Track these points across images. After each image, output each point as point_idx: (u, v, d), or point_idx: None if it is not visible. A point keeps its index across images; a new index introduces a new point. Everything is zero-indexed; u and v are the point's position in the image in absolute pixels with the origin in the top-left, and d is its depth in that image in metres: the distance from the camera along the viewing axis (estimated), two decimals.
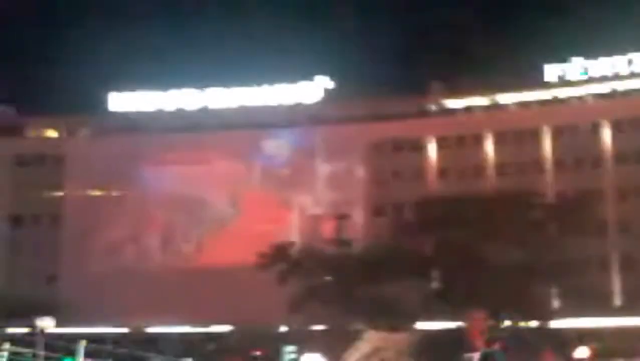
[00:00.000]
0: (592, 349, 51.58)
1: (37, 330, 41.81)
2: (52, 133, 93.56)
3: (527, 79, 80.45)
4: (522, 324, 52.91)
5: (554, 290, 59.19)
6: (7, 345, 34.57)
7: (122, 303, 72.38)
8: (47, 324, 60.85)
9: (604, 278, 72.14)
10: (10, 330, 62.77)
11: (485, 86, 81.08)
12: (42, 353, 34.94)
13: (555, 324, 54.91)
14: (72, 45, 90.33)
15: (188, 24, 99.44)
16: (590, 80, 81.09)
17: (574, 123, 78.98)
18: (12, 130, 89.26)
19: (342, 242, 58.96)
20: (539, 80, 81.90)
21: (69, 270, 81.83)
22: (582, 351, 50.16)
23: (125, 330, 71.88)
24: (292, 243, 60.14)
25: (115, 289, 74.85)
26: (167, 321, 72.77)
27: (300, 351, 46.59)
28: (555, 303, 59.50)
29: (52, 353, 35.97)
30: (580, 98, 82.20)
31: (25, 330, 56.98)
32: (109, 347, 41.08)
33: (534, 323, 53.82)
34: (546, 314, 55.02)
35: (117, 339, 56.01)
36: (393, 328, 43.86)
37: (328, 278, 57.34)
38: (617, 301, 73.64)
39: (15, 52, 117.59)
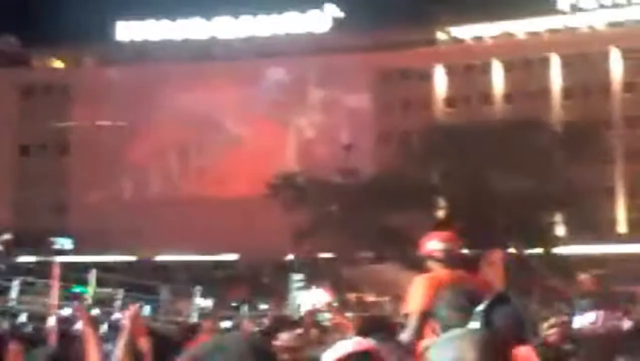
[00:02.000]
0: (593, 275, 51.90)
1: (50, 258, 42.32)
2: (58, 64, 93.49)
3: (538, 6, 79.87)
4: (527, 251, 53.21)
5: (559, 218, 59.43)
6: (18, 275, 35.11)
7: (130, 232, 72.92)
8: (66, 244, 61.83)
9: (610, 206, 72.52)
10: (21, 260, 63.53)
11: (495, 14, 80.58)
12: (54, 282, 35.52)
13: (560, 251, 55.18)
14: None
15: None
16: (603, 7, 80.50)
17: (583, 52, 78.53)
18: (18, 61, 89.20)
19: (348, 171, 59.06)
20: (550, 7, 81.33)
21: (77, 200, 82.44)
22: (584, 278, 50.44)
23: (133, 258, 72.56)
24: (298, 172, 60.34)
25: (124, 218, 75.40)
26: (175, 250, 73.47)
27: (307, 280, 47.15)
28: (561, 231, 59.78)
29: (62, 282, 36.55)
30: (591, 26, 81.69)
31: (34, 258, 57.70)
32: (119, 276, 41.68)
33: (539, 251, 54.14)
34: (551, 242, 55.32)
35: (125, 267, 56.49)
36: (399, 257, 44.39)
37: (334, 207, 57.59)
38: (622, 228, 74.13)
39: None
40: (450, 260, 7.23)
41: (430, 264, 7.26)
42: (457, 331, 3.20)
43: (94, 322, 8.09)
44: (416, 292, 7.07)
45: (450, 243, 7.41)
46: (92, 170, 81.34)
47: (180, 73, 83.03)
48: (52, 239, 63.24)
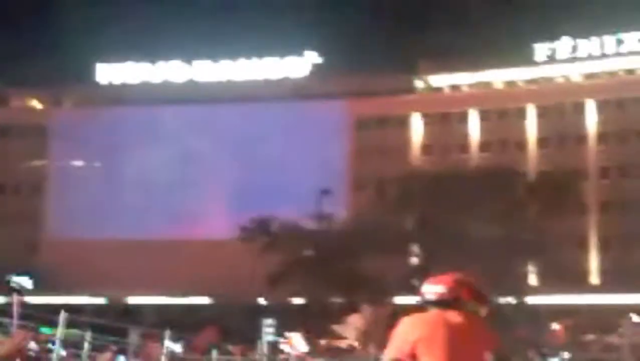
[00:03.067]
0: (564, 325, 52.01)
1: (13, 299, 41.90)
2: (36, 104, 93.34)
3: (516, 57, 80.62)
4: (500, 300, 53.13)
5: (532, 267, 59.55)
6: None
7: (100, 273, 72.32)
8: (24, 283, 61.26)
9: (583, 256, 72.71)
10: None
11: (474, 64, 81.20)
12: (19, 322, 35.11)
13: (532, 300, 55.20)
14: (58, 14, 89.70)
15: None
16: (578, 59, 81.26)
17: (559, 103, 79.20)
18: None
19: (323, 216, 59.06)
20: (527, 58, 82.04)
21: (49, 239, 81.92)
22: (555, 328, 50.58)
23: (102, 300, 72.05)
24: (272, 217, 60.25)
25: (95, 259, 74.61)
26: (145, 292, 72.94)
27: (279, 325, 46.88)
28: (533, 280, 59.88)
29: (30, 322, 36.14)
30: (567, 77, 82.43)
31: (2, 299, 57.15)
32: (87, 318, 41.29)
33: (511, 299, 54.11)
34: (524, 290, 55.35)
35: (95, 310, 56.06)
36: (372, 303, 44.14)
37: (308, 252, 57.50)
38: (595, 279, 74.20)
39: (0, 21, 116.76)
40: (439, 301, 7.10)
41: (425, 306, 7.17)
42: None
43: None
44: (396, 336, 6.96)
45: (443, 285, 7.28)
46: (65, 210, 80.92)
47: (159, 115, 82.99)
48: (10, 278, 62.69)
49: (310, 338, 47.77)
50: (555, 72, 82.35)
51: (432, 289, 7.26)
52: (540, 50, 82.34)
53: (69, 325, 33.92)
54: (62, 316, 33.27)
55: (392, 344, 6.88)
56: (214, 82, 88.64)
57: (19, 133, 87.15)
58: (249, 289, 61.57)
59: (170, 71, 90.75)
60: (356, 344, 43.51)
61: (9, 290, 58.25)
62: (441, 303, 7.21)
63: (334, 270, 53.34)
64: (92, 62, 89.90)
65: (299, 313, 55.84)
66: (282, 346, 46.50)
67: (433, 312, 7.04)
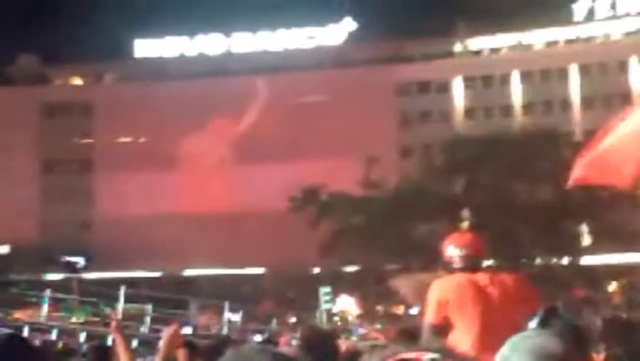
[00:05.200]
0: (620, 284, 51.98)
1: (74, 276, 42.48)
2: (78, 81, 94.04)
3: (554, 17, 80.00)
4: (553, 261, 53.18)
5: (584, 227, 59.29)
6: (47, 292, 35.36)
7: (155, 247, 73.13)
8: (78, 260, 62.11)
9: (635, 214, 72.19)
10: (49, 277, 63.84)
11: (512, 25, 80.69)
12: (79, 298, 35.65)
13: (586, 261, 55.10)
14: None
15: None
16: (618, 17, 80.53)
17: (601, 62, 78.57)
18: (38, 79, 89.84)
19: (371, 184, 59.16)
20: (566, 17, 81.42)
21: (101, 216, 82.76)
22: (612, 287, 50.51)
23: (157, 274, 72.73)
24: (321, 186, 60.43)
25: (148, 233, 75.35)
26: (201, 264, 73.63)
27: (334, 293, 47.24)
28: (586, 241, 59.63)
29: (88, 297, 36.74)
30: (607, 36, 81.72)
31: (62, 275, 57.96)
32: (146, 291, 41.79)
33: (565, 261, 54.05)
34: (577, 251, 55.20)
35: (151, 283, 56.67)
36: (425, 268, 44.32)
37: (358, 219, 57.65)
38: None
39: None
40: (467, 264, 7.20)
41: (450, 269, 7.29)
42: (528, 332, 3.08)
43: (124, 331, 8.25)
44: (430, 303, 7.08)
45: (467, 247, 7.35)
46: (115, 186, 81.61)
47: (198, 88, 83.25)
48: (62, 257, 63.64)
49: (365, 304, 48.28)
50: (595, 30, 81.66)
51: (455, 252, 7.39)
52: (579, 9, 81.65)
53: (128, 299, 34.53)
54: (122, 290, 33.82)
55: (428, 309, 7.07)
56: (250, 53, 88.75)
57: (64, 110, 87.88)
58: (303, 258, 62.07)
59: (208, 44, 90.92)
60: (411, 309, 43.90)
61: (65, 268, 59.21)
62: (467, 265, 7.34)
63: (385, 237, 53.52)
64: (131, 37, 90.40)
65: (353, 281, 56.23)
66: (335, 311, 46.98)
67: (461, 275, 7.19)
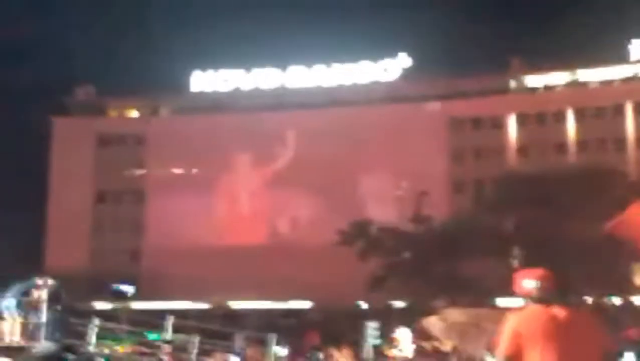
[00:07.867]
0: None
1: (124, 304, 42.81)
2: (133, 113, 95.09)
3: (609, 55, 79.34)
4: (605, 300, 52.38)
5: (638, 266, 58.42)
6: (96, 321, 35.62)
7: (202, 279, 73.44)
8: (128, 289, 62.64)
9: None
10: (98, 306, 64.29)
11: (567, 62, 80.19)
12: (127, 328, 35.87)
13: (638, 300, 54.23)
14: (155, 24, 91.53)
15: (270, 2, 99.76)
16: None
17: None
18: (94, 110, 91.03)
19: (421, 219, 58.94)
20: (622, 56, 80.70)
21: (151, 246, 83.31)
22: None
23: (205, 305, 72.91)
24: (371, 221, 60.31)
25: (197, 265, 75.67)
26: (247, 297, 73.65)
27: (382, 328, 46.73)
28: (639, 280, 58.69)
29: (135, 327, 36.91)
30: None
31: (111, 305, 58.31)
32: (193, 323, 41.88)
33: (617, 300, 53.23)
34: (629, 290, 54.34)
35: (198, 314, 56.83)
36: (473, 304, 43.89)
37: (407, 254, 57.43)
38: None
39: (99, 31, 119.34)
40: (544, 297, 7.21)
41: (526, 302, 7.27)
42: None
43: None
44: (505, 334, 7.07)
45: (544, 280, 7.40)
46: (166, 217, 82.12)
47: (253, 122, 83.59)
48: (114, 285, 64.06)
49: (415, 341, 47.61)
50: None
51: (532, 284, 7.34)
52: (635, 48, 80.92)
53: (176, 329, 34.58)
54: (170, 320, 33.88)
55: (502, 342, 7.01)
56: (303, 88, 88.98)
57: (118, 142, 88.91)
58: (349, 292, 61.81)
59: (264, 78, 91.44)
60: (459, 347, 43.36)
61: (115, 296, 59.62)
62: (545, 297, 7.28)
63: (434, 272, 53.22)
64: (188, 70, 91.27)
65: (400, 316, 55.77)
66: (386, 348, 46.56)
67: (536, 307, 7.13)
